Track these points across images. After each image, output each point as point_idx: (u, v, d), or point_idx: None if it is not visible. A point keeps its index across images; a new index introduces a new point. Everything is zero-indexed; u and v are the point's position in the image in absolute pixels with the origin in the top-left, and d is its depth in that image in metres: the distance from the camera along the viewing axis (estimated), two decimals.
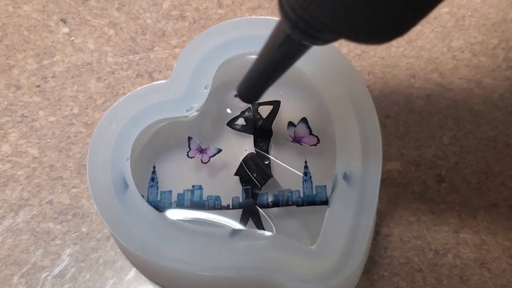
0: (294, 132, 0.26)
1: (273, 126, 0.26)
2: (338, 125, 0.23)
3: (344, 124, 0.23)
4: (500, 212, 0.26)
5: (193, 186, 0.25)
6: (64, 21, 0.33)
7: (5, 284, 0.26)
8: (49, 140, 0.29)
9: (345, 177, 0.22)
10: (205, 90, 0.24)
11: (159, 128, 0.25)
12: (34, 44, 0.32)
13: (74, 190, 0.28)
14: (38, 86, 0.31)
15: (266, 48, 0.18)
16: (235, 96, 0.23)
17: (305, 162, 0.25)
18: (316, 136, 0.25)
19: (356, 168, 0.22)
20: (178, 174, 0.25)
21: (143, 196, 0.23)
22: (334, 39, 0.16)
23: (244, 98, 0.21)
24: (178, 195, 0.24)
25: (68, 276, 0.26)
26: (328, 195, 0.23)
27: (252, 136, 0.26)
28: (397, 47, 0.31)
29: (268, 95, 0.26)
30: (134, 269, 0.25)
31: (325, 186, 0.24)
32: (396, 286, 0.25)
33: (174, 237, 0.21)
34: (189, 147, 0.25)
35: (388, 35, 0.14)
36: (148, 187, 0.25)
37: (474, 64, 0.30)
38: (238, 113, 0.26)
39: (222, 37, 0.25)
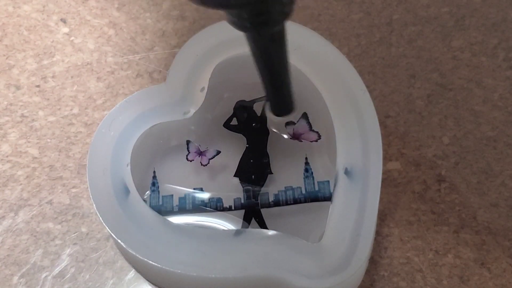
0: (293, 129, 0.25)
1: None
2: (338, 125, 0.23)
3: (344, 123, 0.23)
4: (500, 212, 0.26)
5: (194, 189, 0.25)
6: (64, 21, 0.33)
7: (5, 284, 0.26)
8: (49, 140, 0.29)
9: (347, 172, 0.22)
10: (201, 93, 0.24)
11: (158, 133, 0.25)
12: (34, 44, 0.32)
13: (74, 190, 0.28)
14: (38, 86, 0.31)
15: (256, 61, 0.18)
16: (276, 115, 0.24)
17: (306, 158, 0.25)
18: (317, 132, 0.25)
19: (357, 163, 0.22)
20: (179, 177, 0.25)
21: (145, 201, 0.23)
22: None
23: (281, 113, 0.22)
24: (180, 199, 0.24)
25: (68, 276, 0.26)
26: (331, 190, 0.23)
27: (247, 137, 0.26)
28: (397, 47, 0.31)
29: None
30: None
31: (327, 181, 0.24)
32: (396, 286, 0.25)
33: (179, 240, 0.21)
34: (188, 150, 0.25)
35: None
36: (150, 192, 0.25)
37: (474, 64, 0.30)
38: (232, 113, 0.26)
39: (216, 39, 0.25)
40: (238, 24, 0.16)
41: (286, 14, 0.16)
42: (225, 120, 0.26)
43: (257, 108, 0.26)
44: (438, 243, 0.26)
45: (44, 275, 0.26)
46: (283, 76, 0.19)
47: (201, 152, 0.25)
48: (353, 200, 0.22)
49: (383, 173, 0.22)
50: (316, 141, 0.25)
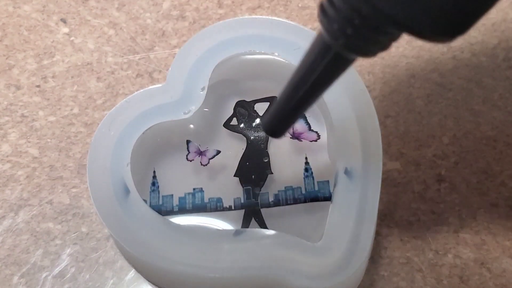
0: (293, 128, 0.26)
1: None
2: (337, 124, 0.23)
3: (343, 123, 0.23)
4: (500, 212, 0.26)
5: (194, 189, 0.25)
6: (64, 21, 0.33)
7: (5, 284, 0.26)
8: (49, 140, 0.29)
9: (347, 172, 0.22)
10: (202, 92, 0.24)
11: (158, 133, 0.25)
12: (34, 44, 0.32)
13: (74, 190, 0.28)
14: (38, 86, 0.31)
15: (299, 73, 0.17)
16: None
17: (306, 158, 0.25)
18: (316, 132, 0.25)
19: (357, 163, 0.22)
20: (179, 177, 0.25)
21: (145, 201, 0.23)
22: (389, 41, 0.15)
23: (270, 131, 0.19)
24: (180, 198, 0.24)
25: (68, 276, 0.26)
26: (331, 190, 0.23)
27: (247, 136, 0.26)
28: (397, 47, 0.31)
29: (265, 92, 0.26)
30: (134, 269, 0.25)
31: (327, 181, 0.24)
32: (396, 286, 0.25)
33: (179, 240, 0.21)
34: (188, 150, 0.25)
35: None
36: (150, 191, 0.25)
37: (474, 64, 0.30)
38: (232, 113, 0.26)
39: (216, 38, 0.25)
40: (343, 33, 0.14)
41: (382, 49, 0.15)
42: (225, 120, 0.26)
43: (257, 108, 0.26)
44: (438, 243, 0.26)
45: (44, 275, 0.26)
46: (312, 99, 0.17)
47: (201, 152, 0.25)
48: (353, 200, 0.22)
49: (383, 173, 0.22)
50: (316, 141, 0.25)
